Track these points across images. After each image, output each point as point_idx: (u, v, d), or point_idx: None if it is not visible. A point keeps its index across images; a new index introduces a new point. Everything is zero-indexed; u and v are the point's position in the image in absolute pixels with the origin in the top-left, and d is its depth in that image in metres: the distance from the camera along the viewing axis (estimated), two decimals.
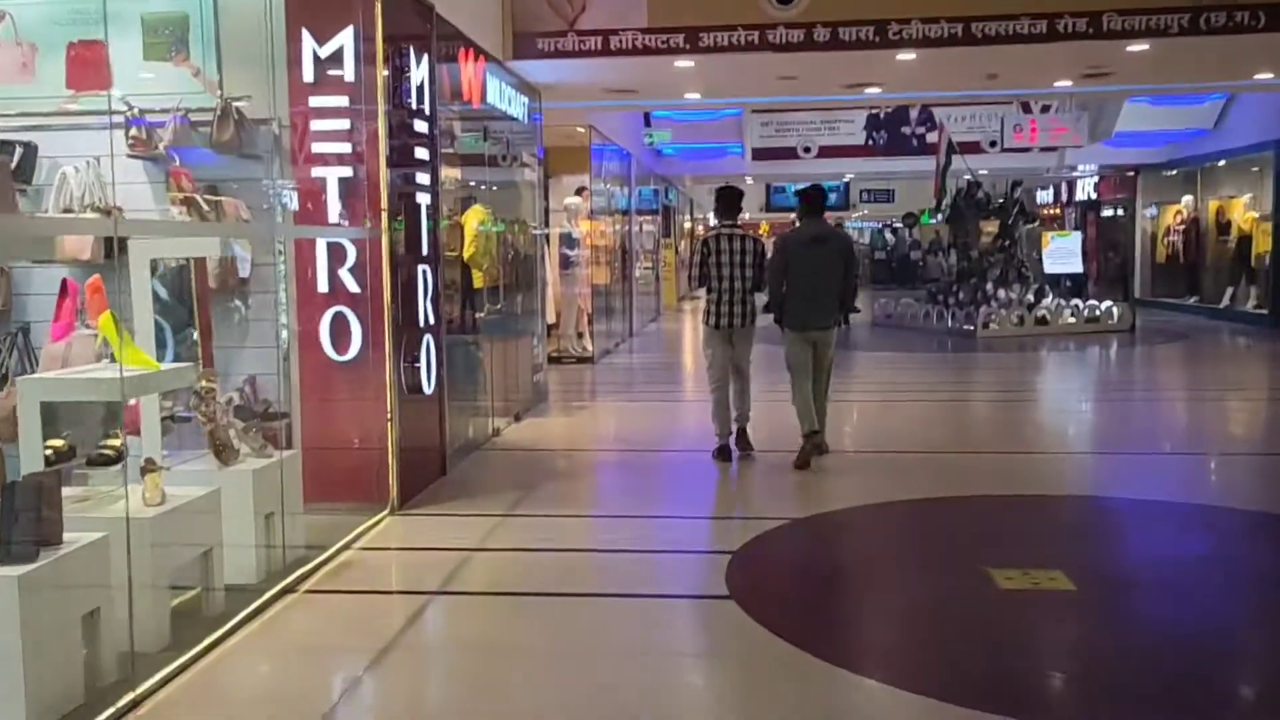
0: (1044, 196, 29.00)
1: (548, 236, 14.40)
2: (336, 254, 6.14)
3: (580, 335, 14.55)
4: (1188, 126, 19.42)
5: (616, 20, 9.00)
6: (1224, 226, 19.65)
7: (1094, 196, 25.26)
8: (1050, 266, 18.31)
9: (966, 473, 7.46)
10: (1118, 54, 9.36)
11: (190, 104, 6.03)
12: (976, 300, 17.65)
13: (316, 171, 6.11)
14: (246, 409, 5.47)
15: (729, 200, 7.67)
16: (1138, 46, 9.11)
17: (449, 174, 9.82)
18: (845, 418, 9.87)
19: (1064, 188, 27.17)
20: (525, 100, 10.23)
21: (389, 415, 6.31)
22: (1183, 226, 21.04)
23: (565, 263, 14.17)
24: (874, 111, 22.52)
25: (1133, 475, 7.56)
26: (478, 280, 9.45)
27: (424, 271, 6.73)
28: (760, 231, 61.57)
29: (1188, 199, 21.14)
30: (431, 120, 6.95)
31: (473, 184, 9.38)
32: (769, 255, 7.46)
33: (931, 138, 22.16)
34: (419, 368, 6.63)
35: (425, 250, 6.79)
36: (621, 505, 6.86)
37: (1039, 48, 8.88)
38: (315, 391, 6.21)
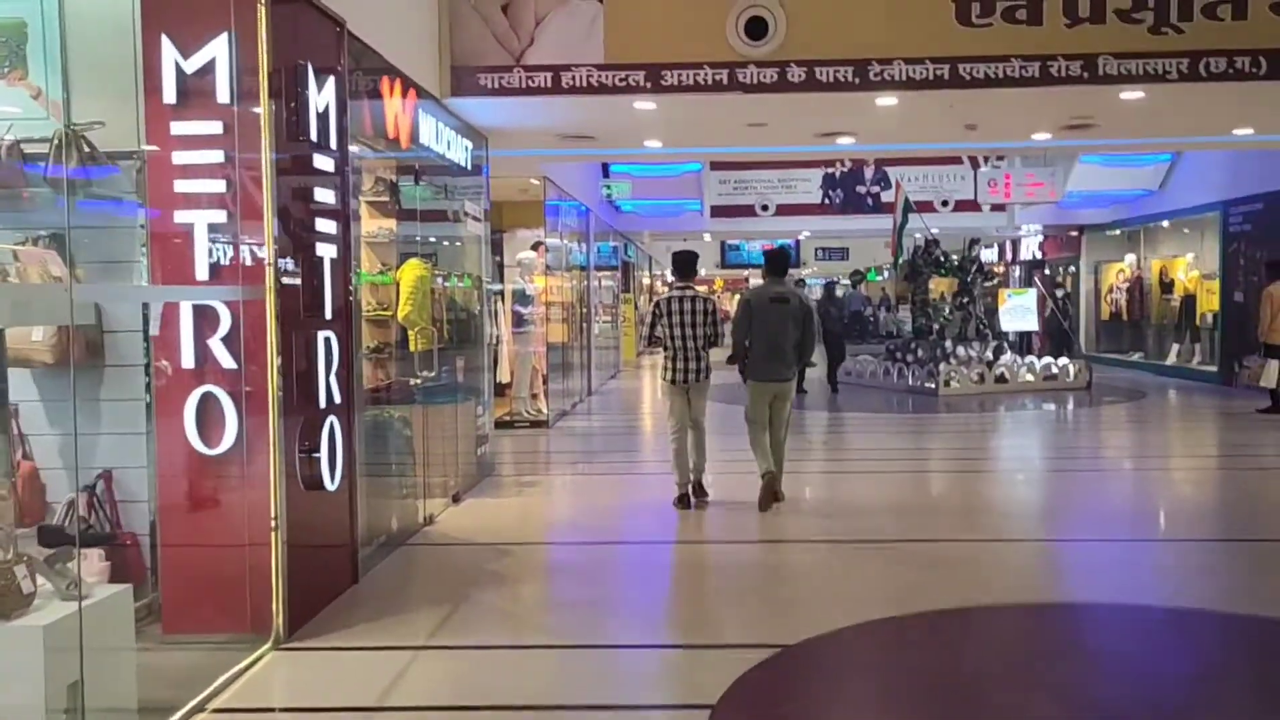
0: (988, 255, 27.85)
1: (501, 293, 12.84)
2: (206, 319, 4.47)
3: (534, 396, 12.89)
4: (1134, 187, 18.31)
5: (569, 55, 7.45)
6: (1167, 285, 18.50)
7: (1039, 256, 24.08)
8: (1007, 324, 16.96)
9: (956, 569, 5.90)
10: (1108, 101, 7.99)
11: (24, 131, 4.43)
12: (936, 357, 16.25)
13: (180, 216, 4.46)
14: (58, 530, 3.77)
15: (683, 263, 7.74)
16: (1132, 94, 7.75)
17: (381, 225, 8.26)
18: (816, 490, 8.29)
19: (1008, 246, 26.02)
20: (469, 145, 8.66)
21: (273, 521, 4.62)
22: (1126, 285, 19.91)
23: (519, 321, 12.54)
24: (830, 171, 21.28)
25: (1142, 570, 6.01)
26: (414, 343, 7.84)
27: (327, 339, 5.07)
28: (715, 287, 60.63)
29: (1130, 258, 20.01)
30: (340, 158, 5.33)
31: (411, 237, 7.79)
32: (729, 311, 8.34)
33: (886, 196, 20.92)
34: (318, 457, 4.94)
35: (330, 312, 5.13)
36: (574, 626, 5.16)
37: (1027, 94, 7.49)
38: (177, 494, 4.53)
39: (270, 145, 4.61)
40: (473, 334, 9.21)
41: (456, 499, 7.88)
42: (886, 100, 7.63)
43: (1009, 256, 26.63)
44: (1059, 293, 16.00)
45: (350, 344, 5.48)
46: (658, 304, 7.70)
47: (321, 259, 5.05)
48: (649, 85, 7.48)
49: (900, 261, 18.02)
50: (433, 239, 8.45)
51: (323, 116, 5.06)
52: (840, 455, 10.42)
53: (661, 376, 7.67)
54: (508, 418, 12.48)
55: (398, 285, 7.90)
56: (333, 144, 5.20)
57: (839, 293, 17.00)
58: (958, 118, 8.22)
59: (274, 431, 4.59)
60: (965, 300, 16.52)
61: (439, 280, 8.38)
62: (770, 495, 7.23)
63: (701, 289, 8.99)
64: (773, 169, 21.48)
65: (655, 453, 10.64)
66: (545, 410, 12.72)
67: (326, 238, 5.12)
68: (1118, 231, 20.47)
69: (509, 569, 6.05)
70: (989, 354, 16.32)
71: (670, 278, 9.29)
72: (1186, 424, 12.78)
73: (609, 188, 17.97)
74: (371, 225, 8.39)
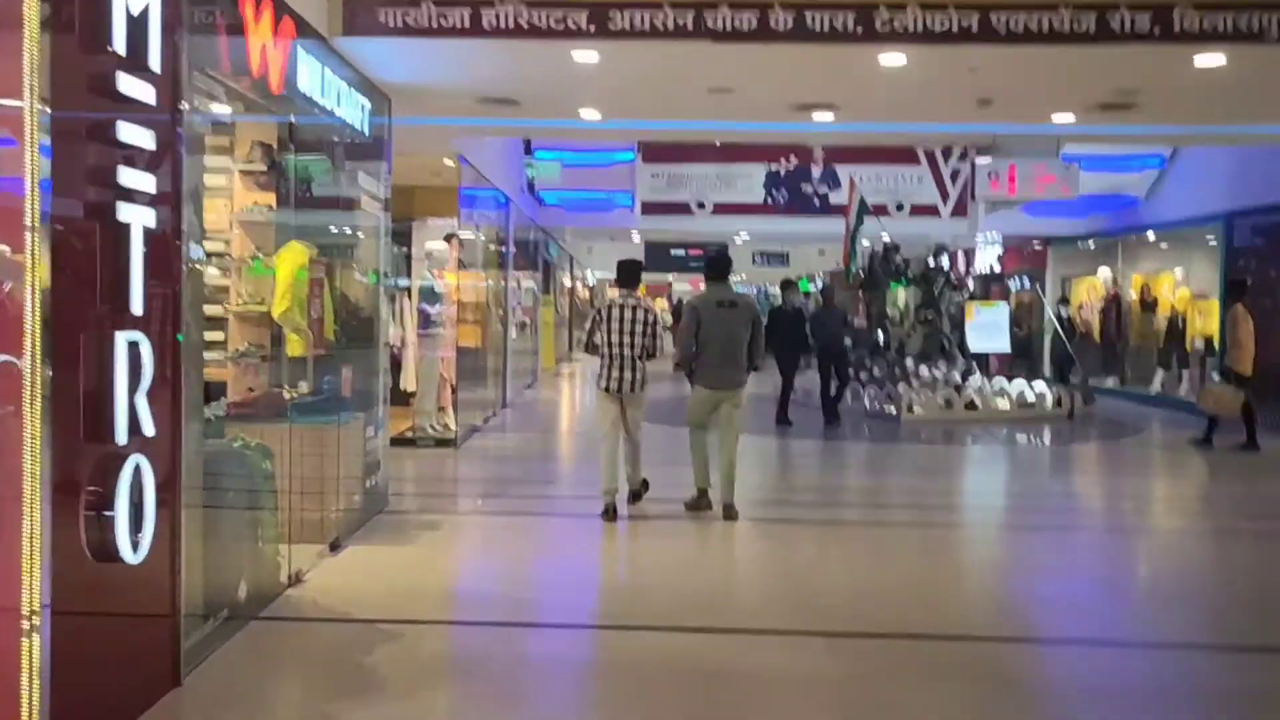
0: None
1: (408, 290, 11.44)
2: None
3: (441, 409, 11.51)
4: (1115, 192, 17.57)
5: None
6: (1149, 304, 17.79)
7: (996, 269, 23.37)
8: (975, 343, 16.04)
9: (939, 677, 4.72)
10: (1172, 69, 6.75)
11: None
12: (895, 378, 15.26)
13: None
14: None
15: (628, 271, 7.82)
16: (1210, 59, 6.50)
17: (257, 200, 6.91)
18: (768, 556, 7.02)
19: (960, 257, 25.30)
20: (366, 106, 7.30)
21: (27, 616, 3.22)
22: (1101, 303, 19.22)
23: (425, 321, 11.15)
24: (775, 168, 20.26)
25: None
26: (294, 347, 6.50)
27: (133, 345, 3.67)
28: (639, 293, 59.48)
29: (1105, 272, 19.34)
30: (167, 85, 3.95)
31: (294, 219, 6.42)
32: (672, 319, 8.14)
33: (835, 198, 19.97)
34: (111, 517, 3.56)
35: (140, 306, 3.74)
36: None
37: (1073, 55, 6.30)
38: None
39: (42, 50, 3.22)
40: (368, 336, 7.84)
41: (335, 547, 6.49)
42: (893, 59, 6.43)
43: (961, 269, 25.95)
44: (1063, 310, 15.00)
45: (175, 352, 4.09)
46: (599, 310, 7.77)
47: (127, 228, 3.66)
48: (592, 29, 6.18)
49: (854, 269, 17.07)
50: (323, 222, 7.09)
51: (138, 22, 3.68)
52: (790, 500, 9.14)
53: (597, 384, 7.67)
54: (410, 434, 11.08)
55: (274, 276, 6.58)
56: (154, 63, 3.81)
57: (836, 298, 15.08)
58: (974, 87, 7.09)
59: (34, 483, 3.19)
60: (930, 315, 15.57)
61: (327, 270, 7.03)
62: (699, 509, 7.54)
63: (647, 299, 8.75)
64: (712, 162, 20.37)
65: (579, 482, 9.37)
66: (453, 426, 11.34)
67: (136, 197, 3.72)
68: (1091, 244, 19.80)
69: (390, 666, 4.65)
70: (956, 376, 15.39)
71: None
72: (1204, 470, 11.35)
73: (532, 168, 16.55)
74: (246, 200, 7.08)
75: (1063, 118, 7.86)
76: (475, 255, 13.21)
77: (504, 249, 15.23)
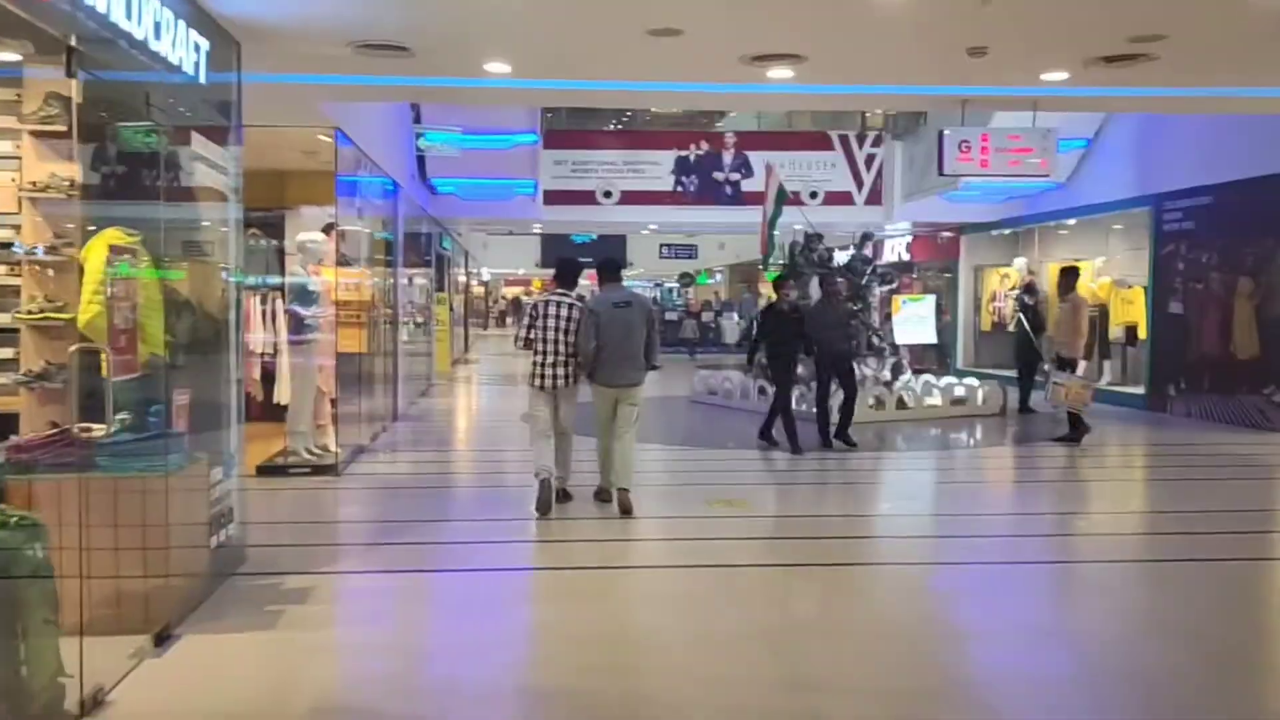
0: (841, 259, 26.02)
1: (280, 290, 9.52)
2: None
3: (320, 427, 9.64)
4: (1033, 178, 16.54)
5: None
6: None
7: (905, 257, 22.31)
8: (901, 336, 14.78)
9: None
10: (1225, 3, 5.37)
11: None
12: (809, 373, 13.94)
13: None
14: None
15: (566, 269, 7.91)
16: None
17: (54, 172, 5.19)
18: (698, 608, 5.46)
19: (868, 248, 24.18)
20: (203, 48, 5.44)
21: None
22: (1015, 292, 18.23)
23: (298, 326, 9.25)
24: (684, 154, 18.77)
25: None
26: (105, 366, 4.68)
27: None
28: (533, 288, 57.56)
29: (1021, 262, 18.35)
30: None
31: (110, 198, 4.61)
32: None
33: (748, 185, 18.60)
34: None
35: None
36: None
37: None
38: None
39: None
40: (214, 349, 5.99)
41: (164, 638, 4.68)
42: None
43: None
44: (1027, 299, 13.70)
45: None
46: (534, 306, 7.76)
47: None
48: None
49: (771, 259, 15.66)
50: (144, 204, 5.25)
51: None
52: (704, 526, 7.57)
53: (529, 382, 7.69)
54: (280, 460, 9.20)
55: (82, 271, 4.80)
56: None
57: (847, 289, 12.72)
58: (975, 30, 5.59)
59: None
60: (858, 307, 14.22)
61: (155, 266, 5.21)
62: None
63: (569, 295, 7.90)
64: (618, 149, 18.78)
65: (487, 513, 7.68)
66: (333, 447, 9.49)
67: None
68: (1007, 231, 18.82)
69: None
70: (886, 372, 14.11)
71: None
72: (1176, 468, 10.54)
73: (422, 135, 14.54)
74: (40, 172, 5.28)
75: (1054, 75, 6.41)
76: (359, 249, 11.34)
77: (392, 242, 13.34)
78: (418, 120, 14.87)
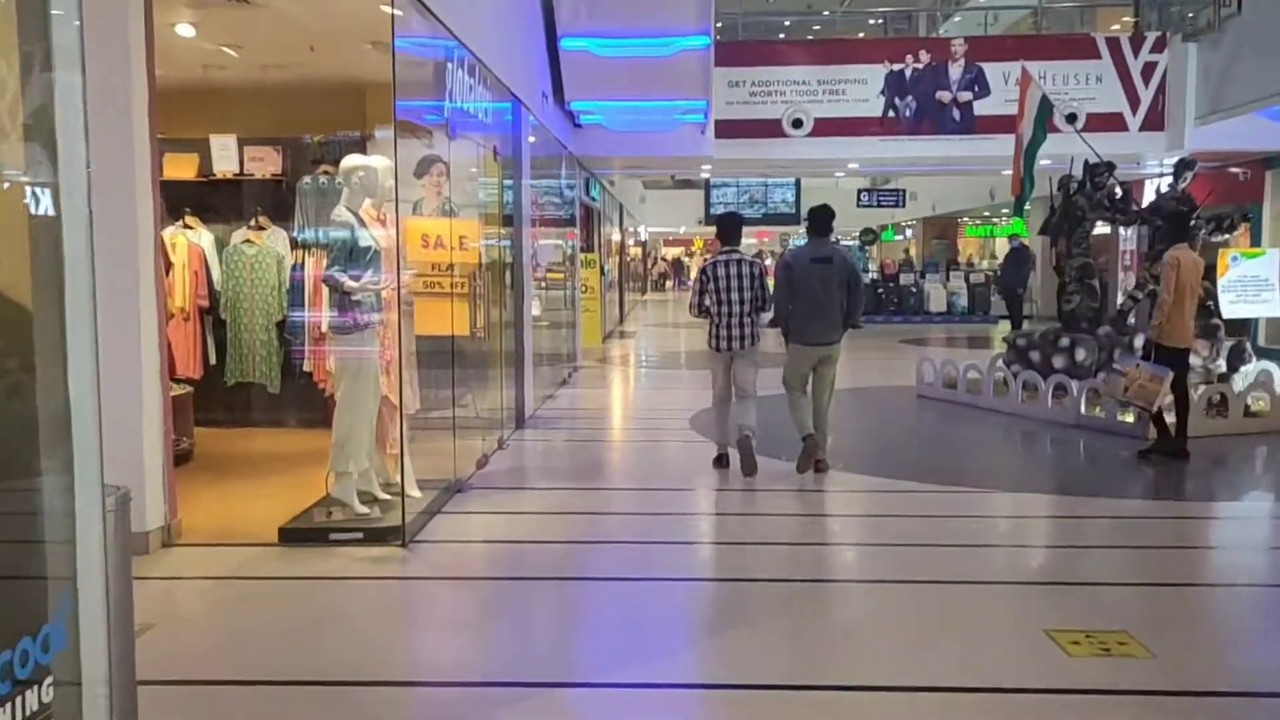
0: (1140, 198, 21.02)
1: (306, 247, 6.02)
2: None
3: (393, 455, 6.09)
4: None
5: None
6: None
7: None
8: (1232, 309, 10.22)
9: None
10: None
11: None
12: (1104, 358, 9.64)
13: None
14: None
15: (728, 226, 7.45)
16: None
17: None
18: None
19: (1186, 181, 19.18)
20: None
21: None
22: None
23: (341, 303, 5.67)
24: (899, 67, 14.42)
25: None
26: None
27: None
28: (694, 247, 53.43)
29: None
30: None
31: None
32: (770, 275, 7.85)
33: (982, 108, 14.15)
34: None
35: None
36: None
37: None
38: None
39: None
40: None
41: None
42: None
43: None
44: None
45: None
46: (704, 270, 7.35)
47: None
48: None
49: (1027, 200, 11.30)
50: None
51: None
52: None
53: (707, 344, 7.37)
54: (319, 516, 5.71)
55: None
56: None
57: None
58: None
59: None
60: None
61: None
62: (810, 459, 7.13)
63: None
64: (811, 64, 14.56)
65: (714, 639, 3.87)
66: (411, 488, 5.93)
67: None
68: None
69: None
70: (1221, 360, 9.63)
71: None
72: None
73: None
74: None
75: None
76: (462, 191, 7.73)
77: (515, 186, 9.67)
78: (550, 29, 11.13)
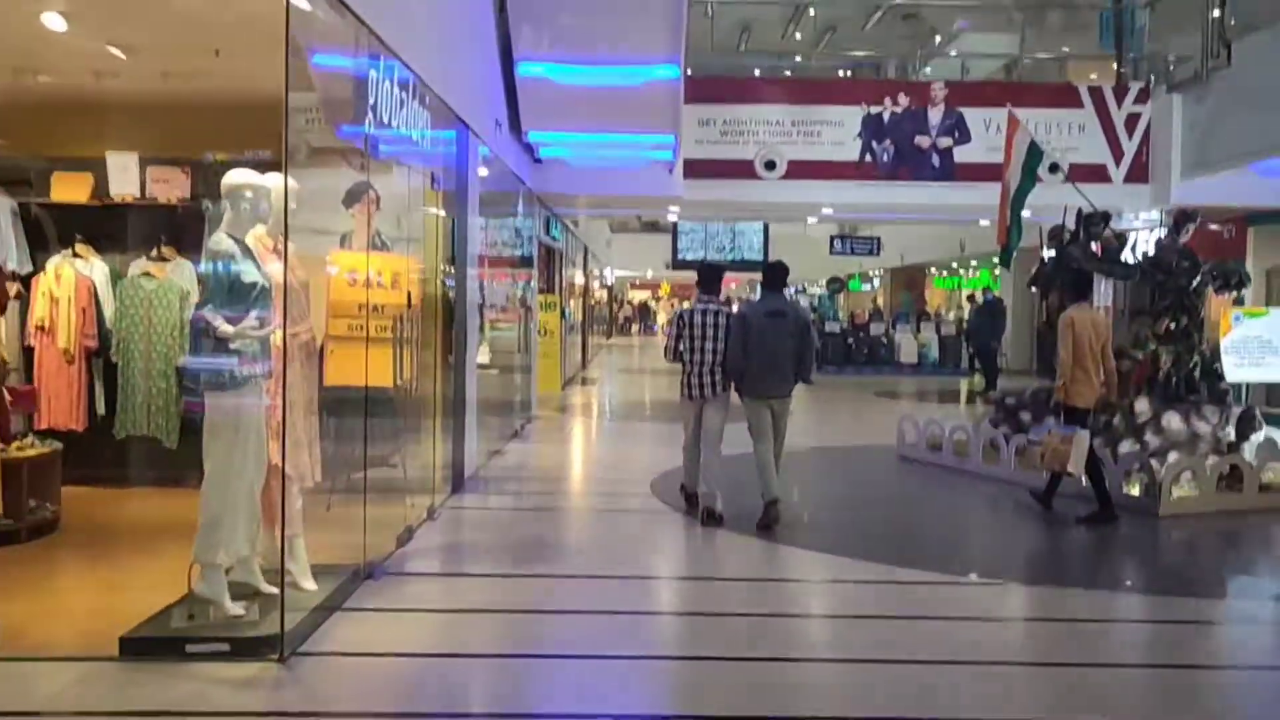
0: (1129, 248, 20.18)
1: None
2: None
3: (293, 536, 4.91)
4: None
5: None
6: None
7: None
8: (1236, 373, 9.30)
9: None
10: None
11: None
12: (1115, 428, 8.63)
13: None
14: None
15: (708, 275, 7.59)
16: None
17: None
18: None
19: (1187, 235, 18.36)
20: None
21: None
22: None
23: (214, 349, 4.53)
24: (875, 110, 13.55)
25: None
26: None
27: None
28: (661, 293, 52.43)
29: None
30: None
31: None
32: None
33: (963, 155, 13.30)
34: None
35: None
36: None
37: None
38: None
39: None
40: None
41: None
42: None
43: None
44: None
45: None
46: (681, 316, 7.47)
47: None
48: None
49: (1014, 251, 10.31)
50: None
51: None
52: None
53: (680, 392, 7.45)
54: (175, 623, 4.50)
55: None
56: None
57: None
58: None
59: None
60: (1183, 323, 8.82)
61: None
62: (769, 521, 7.00)
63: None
64: (785, 103, 13.67)
65: None
66: (304, 573, 4.80)
67: None
68: None
69: None
70: (1229, 428, 8.67)
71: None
72: None
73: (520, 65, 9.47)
74: None
75: None
76: (396, 221, 6.67)
77: (458, 223, 8.60)
78: (507, 54, 10.10)
